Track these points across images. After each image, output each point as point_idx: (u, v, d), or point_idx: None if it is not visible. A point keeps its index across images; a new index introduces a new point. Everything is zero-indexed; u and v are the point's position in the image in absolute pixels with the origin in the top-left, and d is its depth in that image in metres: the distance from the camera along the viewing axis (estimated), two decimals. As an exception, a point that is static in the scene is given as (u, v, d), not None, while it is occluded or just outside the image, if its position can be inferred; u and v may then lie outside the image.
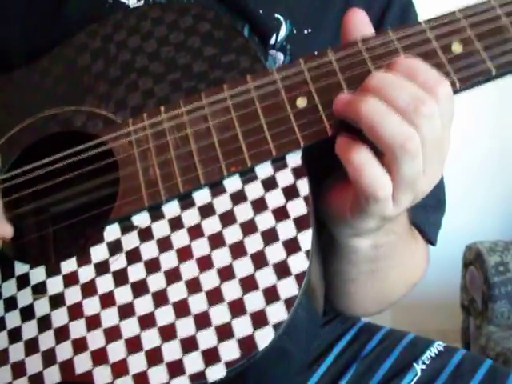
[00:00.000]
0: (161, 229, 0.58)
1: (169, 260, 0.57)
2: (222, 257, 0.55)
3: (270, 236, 0.55)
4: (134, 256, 0.58)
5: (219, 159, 0.58)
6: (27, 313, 0.59)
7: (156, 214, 0.59)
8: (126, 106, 0.64)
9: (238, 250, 0.55)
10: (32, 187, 0.65)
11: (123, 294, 0.57)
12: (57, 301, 0.58)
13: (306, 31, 0.77)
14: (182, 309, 0.54)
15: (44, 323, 0.58)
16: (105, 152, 0.62)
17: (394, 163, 0.53)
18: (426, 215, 0.78)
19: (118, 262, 0.58)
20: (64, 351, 0.56)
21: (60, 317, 0.57)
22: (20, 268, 0.61)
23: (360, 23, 0.60)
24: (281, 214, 0.56)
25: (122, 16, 0.70)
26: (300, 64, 0.60)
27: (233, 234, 0.56)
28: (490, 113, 2.39)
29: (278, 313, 0.52)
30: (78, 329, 0.56)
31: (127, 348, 0.54)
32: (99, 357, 0.55)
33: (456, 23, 0.59)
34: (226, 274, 0.55)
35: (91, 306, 0.57)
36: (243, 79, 0.61)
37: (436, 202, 0.81)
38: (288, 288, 0.53)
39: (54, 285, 0.59)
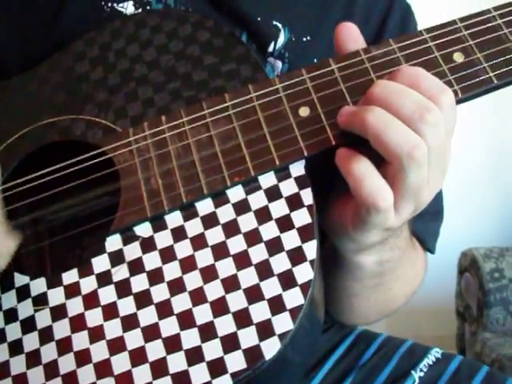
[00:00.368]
0: (163, 239, 0.58)
1: (172, 271, 0.56)
2: (226, 267, 0.55)
3: (274, 246, 0.55)
4: (136, 267, 0.57)
5: (222, 169, 0.58)
6: (28, 325, 0.58)
7: (158, 225, 0.58)
8: (126, 115, 0.64)
9: (242, 260, 0.55)
10: (31, 197, 0.64)
11: (126, 305, 0.56)
12: (58, 312, 0.58)
13: (304, 39, 0.77)
14: (186, 320, 0.54)
15: (46, 335, 0.57)
16: (105, 162, 0.62)
17: (400, 172, 0.53)
18: (425, 224, 0.78)
19: (121, 273, 0.57)
20: (67, 363, 0.55)
21: (62, 328, 0.57)
22: (20, 279, 0.60)
23: (351, 37, 0.61)
24: (285, 223, 0.56)
25: (120, 24, 0.70)
26: (302, 73, 0.60)
27: (237, 244, 0.56)
28: (486, 119, 2.40)
29: (283, 323, 0.52)
30: (80, 341, 0.56)
31: (131, 360, 0.54)
32: (103, 369, 0.54)
33: (457, 33, 0.60)
34: (231, 284, 0.54)
35: (94, 317, 0.56)
36: (245, 88, 0.61)
37: (434, 211, 0.81)
38: (294, 298, 0.53)
39: (56, 296, 0.58)
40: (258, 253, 0.55)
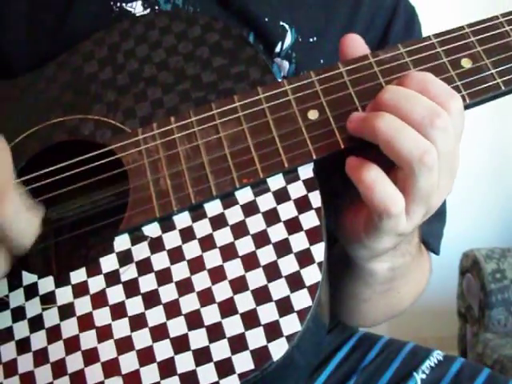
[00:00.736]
0: (172, 239, 0.58)
1: (180, 271, 0.57)
2: (234, 268, 0.55)
3: (282, 248, 0.55)
4: (144, 267, 0.58)
5: (231, 171, 0.58)
6: (36, 323, 0.58)
7: (167, 225, 0.59)
8: (135, 116, 0.64)
9: (250, 262, 0.55)
10: (38, 196, 0.64)
11: (134, 305, 0.56)
12: (66, 311, 0.58)
13: (311, 39, 0.78)
14: (194, 320, 0.54)
15: (53, 334, 0.57)
16: (113, 162, 0.62)
17: (411, 177, 0.54)
18: (429, 226, 0.78)
19: (129, 273, 0.58)
20: (74, 362, 0.56)
21: (70, 327, 0.57)
22: (28, 278, 0.60)
23: (356, 48, 0.61)
24: (293, 225, 0.56)
25: (129, 24, 0.70)
26: (311, 76, 0.60)
27: (245, 246, 0.56)
28: (489, 120, 2.40)
29: (291, 324, 0.52)
30: (88, 340, 0.56)
31: (139, 359, 0.54)
32: (111, 368, 0.54)
33: (465, 38, 0.60)
34: (239, 285, 0.55)
35: (102, 316, 0.57)
36: (254, 90, 0.61)
37: (438, 212, 0.81)
38: (301, 300, 0.53)
39: (64, 295, 0.58)
40: (267, 254, 0.55)
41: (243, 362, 0.52)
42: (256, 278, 0.55)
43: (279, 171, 0.58)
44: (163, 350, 0.54)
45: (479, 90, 0.58)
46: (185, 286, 0.56)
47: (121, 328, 0.56)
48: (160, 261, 0.57)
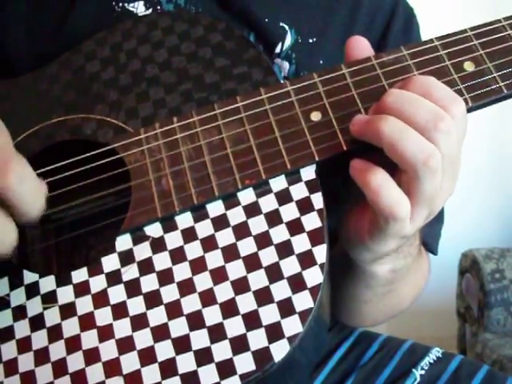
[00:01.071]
0: (174, 240, 0.58)
1: (182, 271, 0.57)
2: (236, 269, 0.55)
3: (284, 249, 0.55)
4: (146, 267, 0.58)
5: (233, 171, 0.58)
6: (37, 322, 0.58)
7: (169, 225, 0.59)
8: (138, 116, 0.64)
9: (252, 263, 0.55)
10: None
11: (136, 305, 0.56)
12: (68, 310, 0.58)
13: (310, 40, 0.78)
14: (195, 321, 0.54)
15: (54, 333, 0.57)
16: (115, 161, 0.62)
17: (415, 180, 0.54)
18: (429, 227, 0.79)
19: (130, 273, 0.58)
20: (75, 362, 0.55)
21: (71, 327, 0.57)
22: (29, 277, 0.60)
23: (362, 51, 0.61)
24: (295, 227, 0.56)
25: (132, 24, 0.70)
26: (314, 78, 0.60)
27: (247, 247, 0.56)
28: (487, 120, 2.40)
29: (293, 326, 0.52)
30: (89, 339, 0.56)
31: (140, 360, 0.54)
32: (112, 368, 0.54)
33: (468, 42, 0.60)
34: (241, 286, 0.55)
35: (103, 316, 0.57)
36: (257, 91, 0.61)
37: (437, 214, 0.82)
38: (303, 301, 0.53)
39: (65, 294, 0.58)
40: (268, 255, 0.55)
41: (244, 363, 0.52)
42: (258, 279, 0.55)
43: (281, 172, 0.58)
44: (164, 350, 0.54)
45: (482, 93, 0.58)
46: (186, 287, 0.56)
47: (122, 328, 0.56)
48: (162, 261, 0.58)
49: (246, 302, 0.54)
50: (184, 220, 0.59)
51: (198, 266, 0.56)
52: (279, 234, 0.56)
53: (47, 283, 0.59)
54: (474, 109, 0.58)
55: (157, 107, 0.64)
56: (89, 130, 0.65)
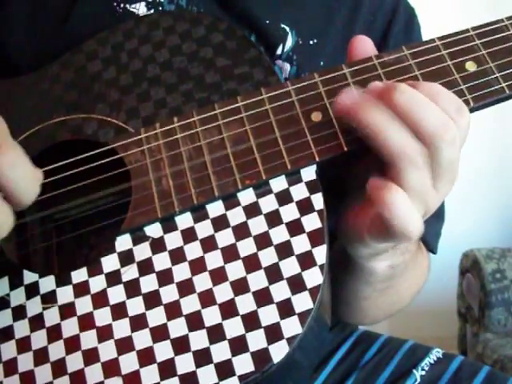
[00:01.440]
0: (173, 240, 0.58)
1: (181, 272, 0.56)
2: (235, 270, 0.55)
3: (284, 250, 0.55)
4: (146, 267, 0.58)
5: (234, 172, 0.58)
6: (36, 322, 0.58)
7: (169, 226, 0.59)
8: (138, 115, 0.64)
9: (251, 263, 0.55)
10: (40, 195, 0.64)
11: (135, 305, 0.56)
12: (67, 311, 0.58)
13: (311, 42, 0.78)
14: (195, 321, 0.54)
15: (54, 333, 0.57)
16: (115, 161, 0.62)
17: (399, 174, 0.54)
18: (428, 225, 0.79)
19: (130, 273, 0.58)
20: (74, 362, 0.55)
21: (70, 327, 0.57)
22: (29, 277, 0.60)
23: (365, 51, 0.61)
24: (295, 227, 0.56)
25: (133, 24, 0.70)
26: (315, 78, 0.60)
27: (247, 247, 0.56)
28: (488, 120, 2.40)
29: (292, 327, 0.52)
30: (88, 339, 0.56)
31: (139, 360, 0.54)
32: (111, 368, 0.54)
33: (469, 41, 0.60)
34: (240, 287, 0.55)
35: (102, 316, 0.57)
36: (257, 91, 0.61)
37: (437, 212, 0.82)
38: (303, 302, 0.53)
39: (64, 294, 0.58)
40: (268, 256, 0.55)
41: (243, 364, 0.52)
42: (257, 280, 0.55)
43: (282, 173, 0.58)
44: (163, 350, 0.54)
45: (484, 93, 0.58)
46: (186, 287, 0.56)
47: (121, 328, 0.56)
48: (161, 261, 0.57)
49: (245, 303, 0.54)
50: (184, 220, 0.58)
51: (198, 266, 0.56)
52: (279, 234, 0.56)
53: (47, 283, 0.59)
54: (476, 109, 0.58)
55: (158, 107, 0.64)
56: (89, 130, 0.65)
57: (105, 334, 0.56)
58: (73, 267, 0.60)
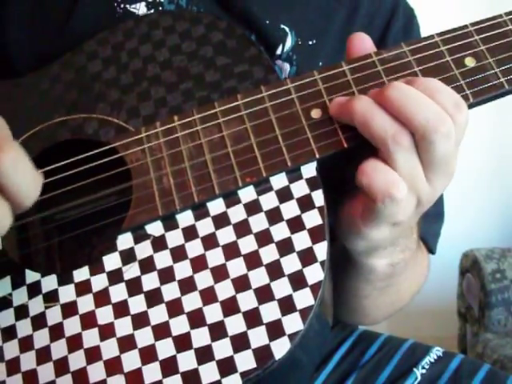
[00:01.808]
0: (175, 238, 0.58)
1: (183, 270, 0.57)
2: (236, 267, 0.56)
3: (285, 246, 0.55)
4: (147, 265, 0.58)
5: (234, 169, 0.58)
6: (39, 321, 0.58)
7: (170, 224, 0.59)
8: (139, 115, 0.64)
9: (253, 261, 0.55)
10: (41, 194, 0.64)
11: (137, 304, 0.56)
12: (69, 309, 0.58)
13: (310, 42, 0.78)
14: (196, 319, 0.54)
15: (56, 332, 0.57)
16: (116, 160, 0.62)
17: (389, 157, 0.54)
18: (428, 225, 0.79)
19: (132, 271, 0.58)
20: (77, 360, 0.56)
21: (72, 325, 0.57)
22: (31, 276, 0.60)
23: (364, 50, 0.61)
24: (296, 224, 0.56)
25: (133, 24, 0.70)
26: (314, 75, 0.60)
27: (248, 245, 0.56)
28: (488, 120, 2.40)
29: (294, 323, 0.52)
30: (91, 338, 0.56)
31: (141, 358, 0.54)
32: (113, 366, 0.54)
33: (468, 37, 0.60)
34: (241, 284, 0.55)
35: (104, 315, 0.57)
36: (257, 89, 0.61)
37: (436, 213, 0.82)
38: (304, 299, 0.53)
39: (66, 293, 0.59)
40: (269, 253, 0.55)
41: (245, 361, 0.52)
42: (258, 277, 0.55)
43: (282, 170, 0.58)
44: (165, 348, 0.54)
45: (483, 88, 0.58)
46: (187, 285, 0.56)
47: (123, 326, 0.56)
48: (163, 259, 0.58)
49: (246, 300, 0.54)
50: (185, 218, 0.59)
51: (199, 264, 0.56)
52: (280, 231, 0.56)
53: (49, 282, 0.60)
54: (475, 105, 0.58)
55: (158, 106, 0.64)
56: (90, 130, 0.65)
57: (107, 332, 0.56)
58: (75, 266, 0.60)
